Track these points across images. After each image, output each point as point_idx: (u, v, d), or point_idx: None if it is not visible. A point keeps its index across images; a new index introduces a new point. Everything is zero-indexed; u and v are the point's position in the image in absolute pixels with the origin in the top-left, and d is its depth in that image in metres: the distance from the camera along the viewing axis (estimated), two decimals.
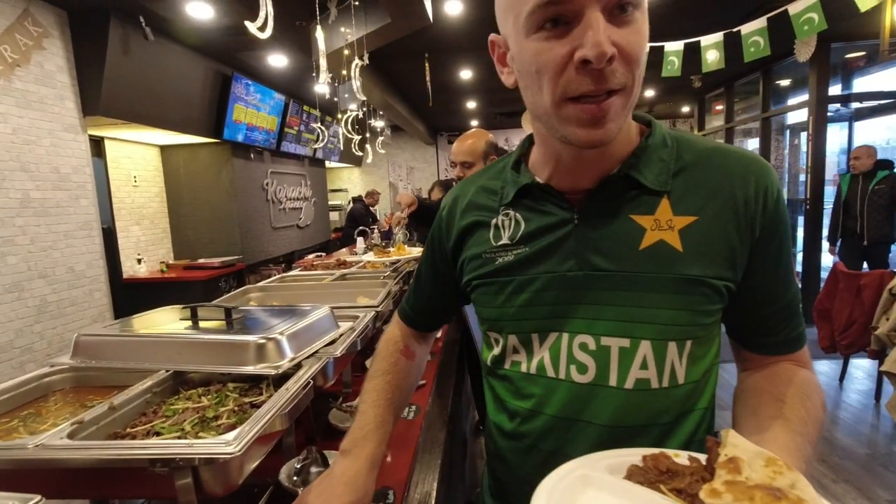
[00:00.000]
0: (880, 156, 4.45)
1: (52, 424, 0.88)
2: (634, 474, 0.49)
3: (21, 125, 3.38)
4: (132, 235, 5.15)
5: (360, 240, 4.51)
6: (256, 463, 0.78)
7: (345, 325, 1.30)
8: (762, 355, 0.67)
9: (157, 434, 0.82)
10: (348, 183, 11.19)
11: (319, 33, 2.32)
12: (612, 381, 0.62)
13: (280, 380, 1.00)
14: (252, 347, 1.00)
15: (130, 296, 4.71)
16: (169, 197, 5.77)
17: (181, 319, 1.23)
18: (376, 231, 5.25)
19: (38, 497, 0.58)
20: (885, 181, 4.35)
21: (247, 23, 1.74)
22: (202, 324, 1.21)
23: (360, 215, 7.03)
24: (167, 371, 1.02)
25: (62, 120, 3.72)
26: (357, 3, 3.17)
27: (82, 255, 3.93)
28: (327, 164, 9.31)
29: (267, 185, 6.62)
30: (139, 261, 5.07)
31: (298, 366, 1.01)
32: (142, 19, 3.81)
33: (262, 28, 1.71)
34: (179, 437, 0.80)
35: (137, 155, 5.28)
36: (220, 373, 1.03)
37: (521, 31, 0.55)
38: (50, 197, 3.62)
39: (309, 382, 0.94)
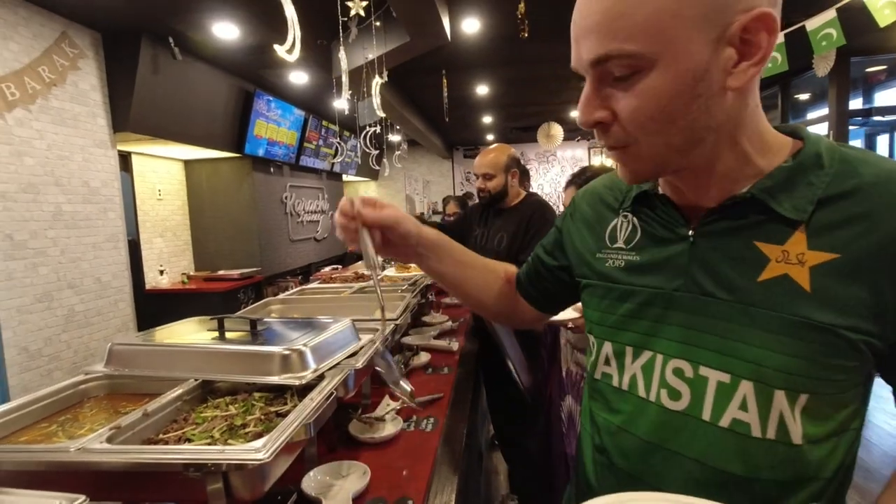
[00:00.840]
0: None
1: (88, 430, 0.93)
2: None
3: (56, 141, 3.52)
4: (155, 247, 5.29)
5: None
6: (283, 470, 0.81)
7: (365, 338, 1.33)
8: None
9: (188, 440, 0.85)
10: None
11: (342, 53, 2.40)
12: (706, 416, 0.57)
13: (303, 390, 1.03)
14: (277, 358, 1.03)
15: (153, 306, 4.83)
16: (191, 210, 5.92)
17: (208, 330, 1.27)
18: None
19: (82, 497, 0.61)
20: None
21: (276, 46, 1.82)
22: (228, 335, 1.26)
23: None
24: (196, 380, 1.06)
25: (93, 136, 3.87)
26: (378, 23, 3.26)
27: (109, 267, 4.05)
28: (344, 177, 9.46)
29: (286, 198, 6.75)
30: (161, 272, 5.20)
31: (321, 377, 1.04)
32: (171, 40, 3.97)
33: (289, 51, 1.78)
34: (210, 444, 0.83)
35: (162, 169, 5.44)
36: (247, 382, 1.07)
37: None
38: (80, 210, 3.75)
39: (332, 393, 0.97)
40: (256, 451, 0.72)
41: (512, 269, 0.97)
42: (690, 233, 0.60)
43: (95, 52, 3.86)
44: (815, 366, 0.52)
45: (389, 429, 1.27)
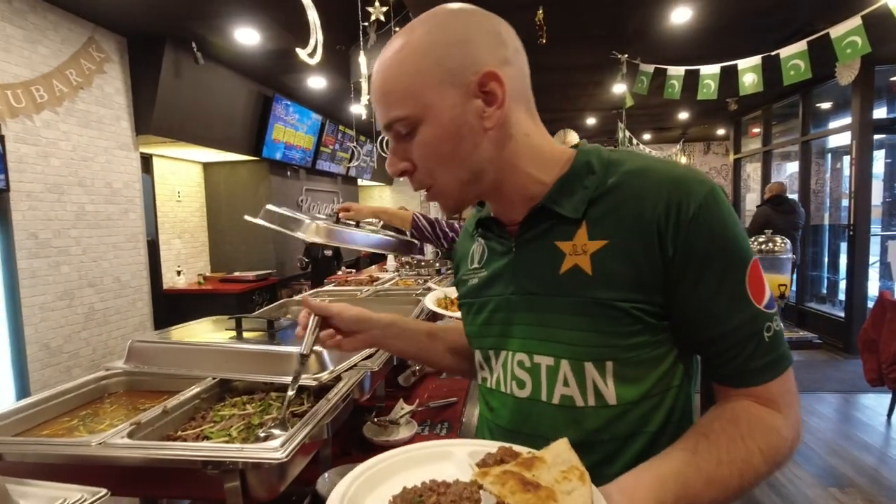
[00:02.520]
0: None
1: (108, 425, 0.94)
2: (484, 461, 0.55)
3: (80, 143, 3.61)
4: (173, 248, 5.37)
5: (390, 257, 4.59)
6: (299, 470, 0.81)
7: None
8: (721, 385, 0.64)
9: (206, 438, 0.86)
10: (379, 201, 11.39)
11: (362, 58, 2.42)
12: (544, 397, 0.66)
13: (320, 391, 1.04)
14: (294, 358, 1.04)
15: (169, 306, 4.90)
16: (209, 212, 6.01)
17: (226, 329, 1.28)
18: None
19: (104, 491, 0.62)
20: None
21: (298, 50, 1.84)
22: (245, 334, 1.27)
23: (391, 230, 7.14)
24: (214, 378, 1.07)
25: (117, 138, 3.95)
26: (396, 29, 3.28)
27: (128, 266, 4.12)
28: (360, 182, 9.52)
29: (302, 201, 6.82)
30: (179, 272, 5.27)
31: (338, 378, 1.04)
32: (194, 45, 4.04)
33: (311, 55, 1.80)
34: (227, 442, 0.84)
35: (182, 171, 5.53)
36: (264, 382, 1.07)
37: None
38: (102, 210, 3.83)
39: (349, 395, 0.97)
40: (275, 450, 0.72)
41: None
42: (513, 245, 0.70)
43: (121, 57, 3.95)
44: (606, 336, 0.61)
45: (404, 432, 1.27)
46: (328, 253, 4.64)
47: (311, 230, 1.28)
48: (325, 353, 1.08)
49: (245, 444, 0.77)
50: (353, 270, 4.89)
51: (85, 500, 0.60)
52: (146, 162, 4.76)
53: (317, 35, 1.77)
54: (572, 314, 0.63)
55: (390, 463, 0.60)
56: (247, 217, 1.37)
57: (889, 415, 3.55)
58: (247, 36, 3.95)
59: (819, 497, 2.65)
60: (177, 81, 4.12)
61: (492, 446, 0.58)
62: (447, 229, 2.12)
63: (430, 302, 1.63)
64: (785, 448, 0.59)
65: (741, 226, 0.61)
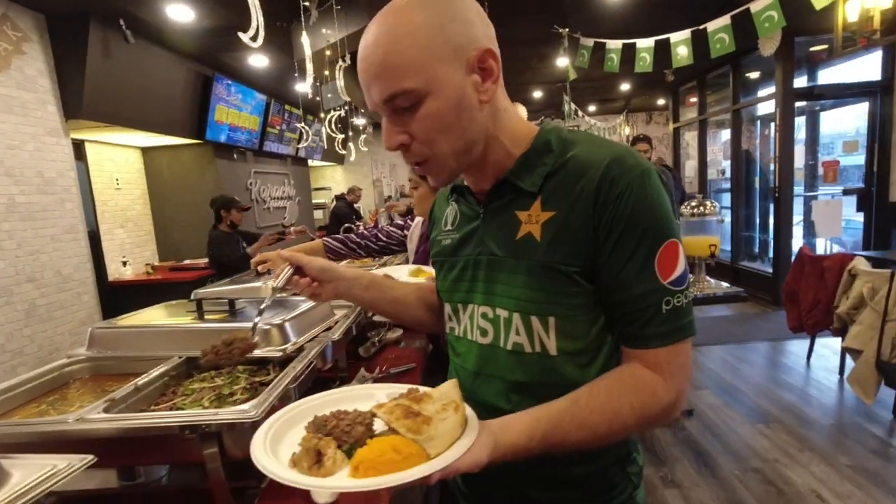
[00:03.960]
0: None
1: (78, 407, 0.97)
2: (393, 399, 0.64)
3: (4, 130, 3.39)
4: (116, 238, 5.16)
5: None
6: None
7: (340, 313, 1.40)
8: (623, 345, 0.72)
9: (179, 409, 0.91)
10: (332, 181, 11.21)
11: (305, 38, 2.39)
12: (501, 343, 0.75)
13: (284, 362, 1.10)
14: (258, 333, 1.09)
15: (117, 298, 4.73)
16: (152, 199, 5.77)
17: (187, 312, 1.31)
18: (361, 228, 5.33)
19: (90, 456, 0.68)
20: None
21: (240, 34, 1.82)
22: (207, 315, 1.31)
23: (344, 213, 7.10)
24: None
25: (45, 124, 3.73)
26: (339, 7, 3.24)
27: (69, 259, 3.94)
28: (310, 162, 9.33)
29: (251, 184, 6.65)
30: (124, 263, 5.08)
31: (301, 349, 1.11)
32: (122, 22, 3.83)
33: (253, 38, 1.79)
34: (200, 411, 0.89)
35: (119, 157, 5.27)
36: None
37: None
38: (35, 201, 3.63)
39: (312, 362, 1.04)
40: (247, 411, 0.79)
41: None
42: (481, 211, 0.78)
43: (40, 36, 3.69)
44: (550, 294, 0.70)
45: None
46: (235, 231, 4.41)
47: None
48: (288, 326, 1.14)
49: (219, 409, 0.83)
50: (304, 227, 4.71)
51: (73, 466, 0.65)
52: (78, 148, 4.50)
53: (258, 18, 1.75)
54: (524, 274, 0.71)
55: (320, 402, 0.71)
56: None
57: (808, 357, 3.96)
58: (179, 12, 3.77)
59: (748, 433, 2.96)
60: (107, 62, 3.90)
61: (404, 388, 0.68)
62: (368, 238, 2.23)
63: (405, 276, 1.68)
64: (657, 408, 0.67)
65: (666, 208, 0.68)
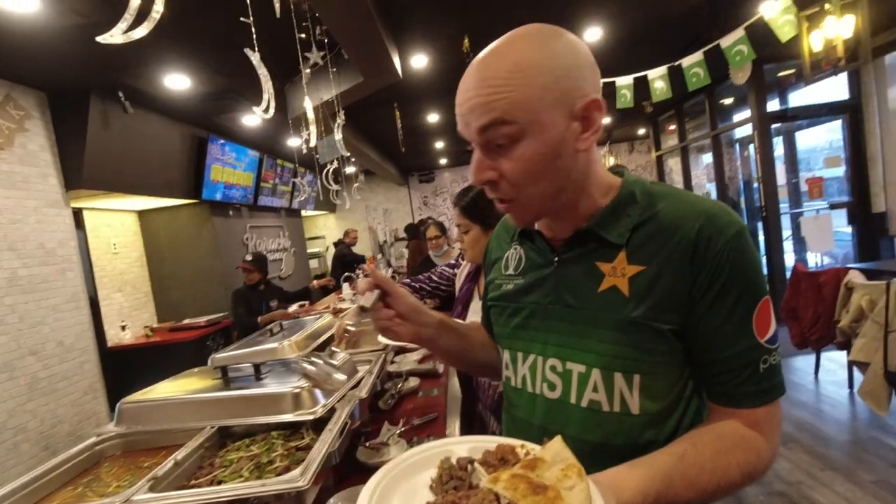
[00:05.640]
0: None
1: (117, 487, 0.97)
2: (486, 460, 0.60)
3: (7, 205, 3.43)
4: (115, 303, 5.13)
5: (345, 286, 4.59)
6: (313, 497, 0.89)
7: (363, 369, 1.42)
8: (716, 404, 0.70)
9: (220, 482, 0.92)
10: (325, 230, 11.30)
11: (307, 102, 2.51)
12: (573, 400, 0.72)
13: (316, 424, 1.11)
14: (289, 397, 1.11)
15: (117, 364, 4.66)
16: (149, 261, 5.78)
17: (213, 379, 1.33)
18: (360, 276, 5.34)
19: None
20: None
21: (254, 108, 1.91)
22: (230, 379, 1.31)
23: (348, 254, 7.15)
24: (212, 427, 1.12)
25: (46, 196, 3.79)
26: (334, 69, 3.39)
27: (71, 328, 3.92)
28: (303, 213, 9.43)
29: (247, 239, 6.70)
30: (123, 327, 5.04)
31: (332, 410, 1.12)
32: (121, 94, 3.96)
33: (266, 110, 1.88)
34: (243, 482, 0.90)
35: (116, 222, 5.32)
36: (261, 424, 1.13)
37: None
38: (37, 273, 3.64)
39: (347, 422, 1.05)
40: (295, 480, 0.80)
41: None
42: (555, 259, 0.76)
43: (42, 113, 3.80)
44: (637, 351, 0.68)
45: (394, 451, 1.36)
46: (261, 288, 4.41)
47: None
48: (317, 391, 1.16)
49: (265, 480, 0.84)
50: (307, 303, 4.73)
51: None
52: (77, 216, 4.55)
53: (269, 91, 1.84)
54: (607, 329, 0.69)
55: (402, 469, 0.64)
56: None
57: (815, 372, 3.96)
58: (177, 81, 3.92)
59: None
60: (105, 132, 4.01)
61: (489, 442, 0.64)
62: (422, 281, 2.29)
63: None
64: (761, 466, 0.66)
65: (760, 265, 0.68)
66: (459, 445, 0.67)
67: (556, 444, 0.58)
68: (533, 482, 0.52)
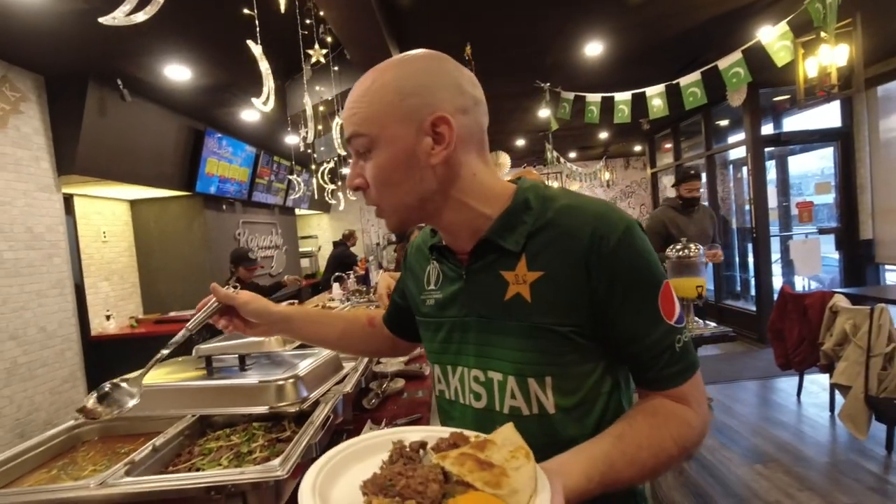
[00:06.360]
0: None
1: (92, 471, 0.96)
2: (438, 445, 0.61)
3: None
4: (101, 291, 5.07)
5: (336, 286, 4.59)
6: (290, 491, 0.88)
7: (348, 366, 1.41)
8: (646, 390, 0.73)
9: (198, 470, 0.91)
10: (318, 230, 11.27)
11: (307, 98, 2.51)
12: (497, 407, 0.74)
13: (299, 417, 1.10)
14: (273, 389, 1.10)
15: (100, 353, 4.60)
16: (139, 251, 5.73)
17: (196, 369, 1.31)
18: (352, 277, 5.34)
19: None
20: None
21: (253, 100, 1.91)
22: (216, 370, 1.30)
23: (347, 256, 7.14)
24: (193, 416, 1.11)
25: (37, 180, 3.74)
26: (335, 68, 3.40)
27: (54, 314, 3.87)
28: (297, 211, 9.40)
29: (239, 234, 6.66)
30: (108, 317, 4.98)
31: (316, 403, 1.12)
32: (120, 82, 3.94)
33: (265, 103, 1.88)
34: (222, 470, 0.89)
35: (107, 210, 5.27)
36: (243, 414, 1.12)
37: None
38: (23, 257, 3.59)
39: (329, 416, 1.05)
40: (274, 469, 0.80)
41: (372, 313, 1.09)
42: (463, 272, 0.78)
43: (38, 96, 3.77)
44: (545, 355, 0.70)
45: None
46: (262, 283, 4.57)
47: None
48: (301, 383, 1.16)
49: (244, 468, 0.83)
50: (296, 301, 4.81)
51: None
52: (67, 202, 4.50)
53: (269, 85, 1.85)
54: (516, 336, 0.71)
55: (352, 451, 0.65)
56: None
57: (798, 394, 4.00)
58: (177, 72, 3.91)
59: (746, 474, 2.95)
60: (102, 119, 3.98)
61: (443, 431, 0.64)
62: None
63: None
64: (693, 436, 0.69)
65: (654, 254, 0.71)
66: (413, 433, 0.68)
67: (507, 430, 0.59)
68: (480, 460, 0.53)
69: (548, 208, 0.73)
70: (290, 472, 0.79)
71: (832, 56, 2.84)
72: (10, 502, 0.75)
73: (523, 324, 0.70)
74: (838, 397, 3.41)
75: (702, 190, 4.23)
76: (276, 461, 0.82)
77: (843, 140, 5.57)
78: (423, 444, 0.62)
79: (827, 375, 3.52)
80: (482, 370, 0.75)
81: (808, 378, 4.06)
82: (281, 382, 1.12)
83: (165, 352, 0.86)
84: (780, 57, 3.02)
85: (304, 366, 1.20)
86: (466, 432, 0.63)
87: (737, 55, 3.24)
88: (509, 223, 0.73)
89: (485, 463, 0.53)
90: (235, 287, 0.92)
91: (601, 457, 0.63)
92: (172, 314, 5.39)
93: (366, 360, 1.51)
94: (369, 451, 0.65)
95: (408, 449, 0.61)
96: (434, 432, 0.66)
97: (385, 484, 0.54)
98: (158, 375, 1.29)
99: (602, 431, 0.71)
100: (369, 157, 0.70)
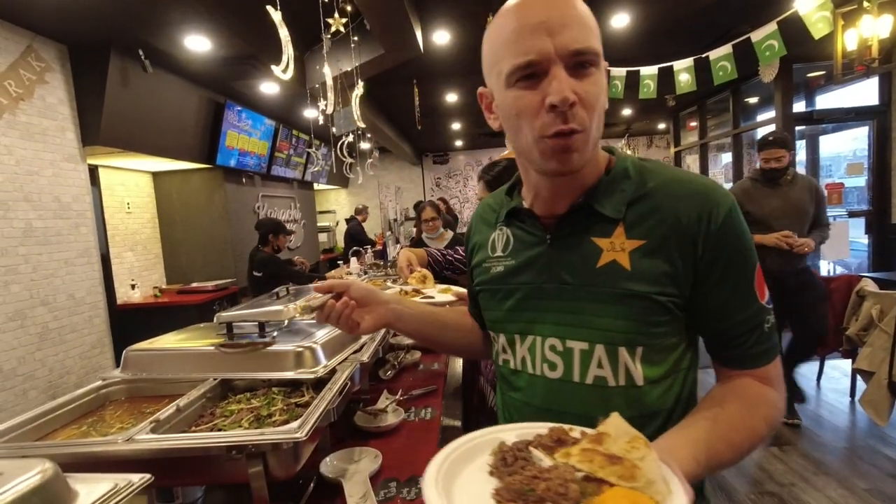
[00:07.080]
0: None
1: (119, 428, 1.00)
2: (540, 441, 0.59)
3: (24, 157, 3.47)
4: (126, 261, 5.20)
5: (353, 260, 4.64)
6: (310, 452, 0.90)
7: (365, 336, 1.43)
8: (726, 368, 0.73)
9: (220, 430, 0.94)
10: (336, 205, 11.32)
11: (327, 69, 2.48)
12: (576, 378, 0.72)
13: (317, 383, 1.12)
14: (292, 356, 1.13)
15: (125, 321, 4.74)
16: (161, 222, 5.84)
17: (217, 335, 1.34)
18: (369, 251, 5.38)
19: (148, 476, 0.70)
20: None
21: (273, 67, 1.90)
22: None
23: (359, 232, 7.21)
24: (215, 379, 1.13)
25: (63, 150, 3.82)
26: (356, 38, 3.35)
27: (82, 282, 3.98)
28: (315, 186, 9.44)
29: (258, 208, 6.72)
30: (133, 286, 5.11)
31: (333, 371, 1.14)
32: (141, 53, 3.95)
33: (284, 70, 1.86)
34: (243, 431, 0.92)
35: (130, 182, 5.36)
36: (263, 379, 1.15)
37: (503, 84, 0.67)
38: (51, 226, 3.69)
39: (347, 384, 1.06)
40: (294, 431, 0.82)
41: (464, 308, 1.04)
42: (548, 237, 0.75)
43: (62, 66, 3.81)
44: (640, 324, 0.69)
45: (392, 419, 1.37)
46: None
47: None
48: (320, 350, 1.17)
49: (265, 429, 0.85)
50: (315, 276, 4.92)
51: (133, 484, 0.68)
52: (92, 173, 4.58)
53: (288, 53, 1.83)
54: (609, 304, 0.69)
55: (456, 456, 0.60)
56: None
57: (818, 379, 3.94)
58: (197, 43, 3.90)
59: (762, 457, 2.94)
60: (124, 90, 4.01)
61: (539, 428, 0.62)
62: (446, 254, 2.20)
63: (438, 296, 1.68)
64: (779, 416, 0.71)
65: (750, 234, 0.71)
66: (506, 433, 0.64)
67: (616, 419, 0.57)
68: (607, 454, 0.52)
69: (648, 179, 0.72)
70: (307, 435, 0.81)
71: (874, 28, 2.69)
72: (44, 453, 0.79)
73: (617, 291, 0.69)
74: (860, 383, 3.35)
75: (791, 160, 3.33)
76: (295, 423, 0.83)
77: (879, 119, 5.33)
78: (526, 444, 0.60)
79: (849, 361, 3.45)
80: (560, 339, 0.73)
81: (829, 363, 3.99)
82: (300, 350, 1.14)
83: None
84: (818, 29, 2.88)
85: (322, 334, 1.22)
86: (566, 427, 0.61)
87: (771, 27, 3.10)
88: (609, 189, 0.72)
89: (613, 457, 0.51)
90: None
91: (702, 440, 0.62)
92: (194, 285, 5.51)
93: (383, 329, 1.53)
94: (467, 457, 0.61)
95: (516, 449, 0.59)
96: (526, 429, 0.64)
97: (524, 490, 0.52)
98: (181, 339, 1.33)
99: (680, 408, 0.73)
100: (591, 72, 0.65)
